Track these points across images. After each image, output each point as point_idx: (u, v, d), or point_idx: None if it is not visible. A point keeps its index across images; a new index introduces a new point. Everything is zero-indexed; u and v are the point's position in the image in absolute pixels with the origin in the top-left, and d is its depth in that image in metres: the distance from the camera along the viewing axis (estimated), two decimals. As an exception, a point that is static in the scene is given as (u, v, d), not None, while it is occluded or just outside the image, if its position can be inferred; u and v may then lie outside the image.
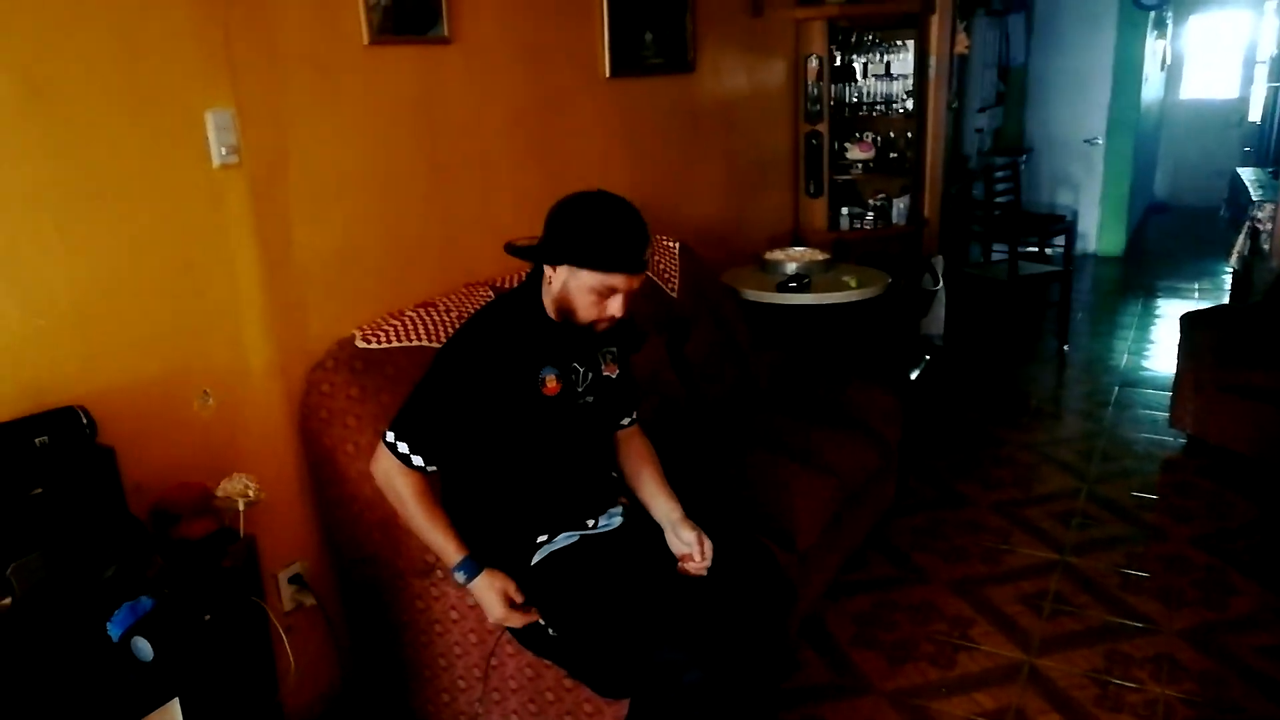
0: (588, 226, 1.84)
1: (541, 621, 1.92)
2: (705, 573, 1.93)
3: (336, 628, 2.30)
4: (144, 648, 1.51)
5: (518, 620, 1.89)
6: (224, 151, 1.94)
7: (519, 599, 1.88)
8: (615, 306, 1.87)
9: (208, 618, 1.66)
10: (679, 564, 1.95)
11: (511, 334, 1.93)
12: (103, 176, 1.75)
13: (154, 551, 1.67)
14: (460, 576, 1.88)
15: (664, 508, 2.03)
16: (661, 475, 2.10)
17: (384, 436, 1.90)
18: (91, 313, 1.75)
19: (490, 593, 1.87)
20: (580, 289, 1.86)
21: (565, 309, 1.90)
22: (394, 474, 1.90)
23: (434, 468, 1.91)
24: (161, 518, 1.79)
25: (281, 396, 2.16)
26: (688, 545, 1.95)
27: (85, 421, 1.61)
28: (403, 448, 1.87)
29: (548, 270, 1.90)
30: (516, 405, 1.91)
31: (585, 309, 1.88)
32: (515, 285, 2.11)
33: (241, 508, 1.82)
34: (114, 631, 1.51)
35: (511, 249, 1.99)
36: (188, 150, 1.89)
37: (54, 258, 1.69)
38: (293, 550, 2.25)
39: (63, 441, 1.58)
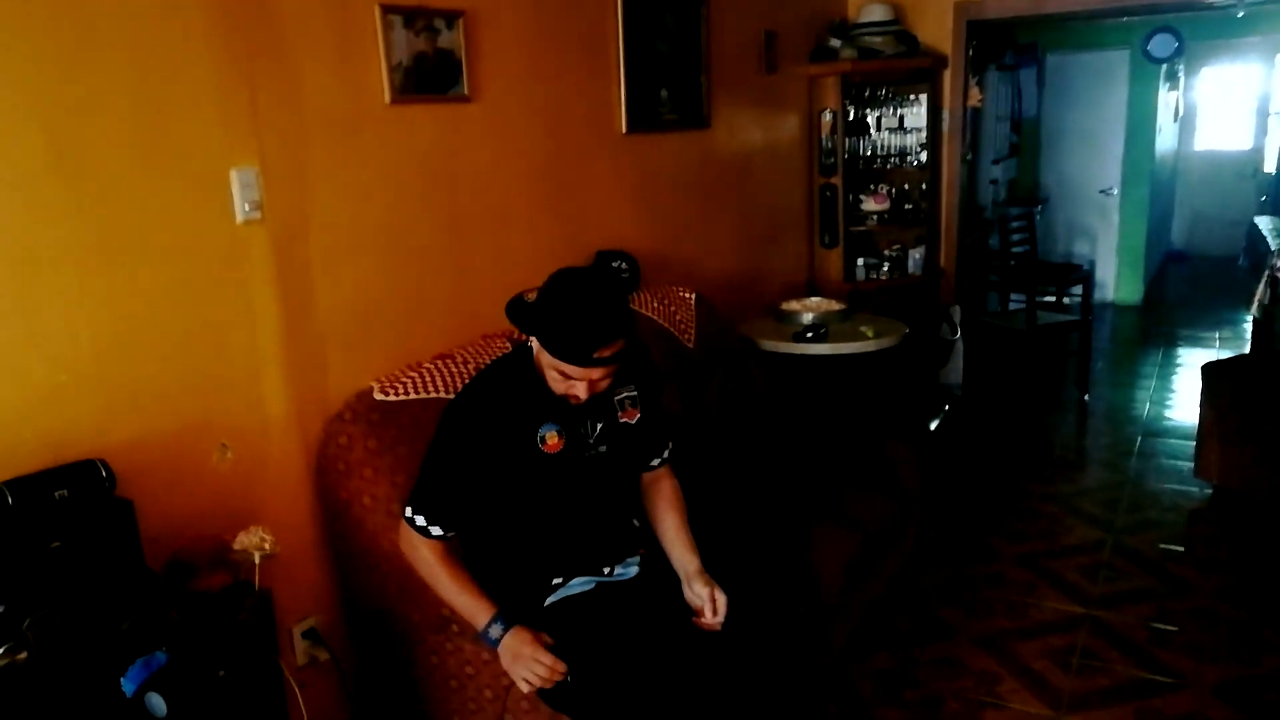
0: (552, 308, 1.83)
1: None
2: (719, 628, 1.90)
3: (350, 683, 2.27)
4: (158, 703, 1.50)
5: (540, 683, 1.85)
6: (247, 208, 1.97)
7: (548, 661, 1.83)
8: (579, 390, 1.85)
9: (222, 673, 1.64)
10: (694, 617, 1.93)
11: (509, 393, 1.94)
12: (127, 233, 1.78)
13: (170, 605, 1.67)
14: (495, 630, 1.87)
15: (682, 557, 2.01)
16: (684, 523, 2.09)
17: (402, 513, 1.95)
18: (112, 367, 1.77)
19: (513, 662, 1.86)
20: (546, 364, 1.87)
21: (542, 376, 1.90)
22: (417, 546, 1.94)
23: (452, 534, 1.94)
24: (178, 570, 1.79)
25: (299, 449, 2.17)
26: (700, 600, 1.93)
27: (105, 475, 1.62)
28: (420, 521, 1.92)
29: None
30: (517, 464, 1.92)
31: (552, 383, 1.88)
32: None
33: (258, 560, 1.81)
34: (128, 687, 1.50)
35: (507, 307, 1.99)
36: (211, 207, 1.93)
37: (77, 313, 1.71)
38: (307, 604, 2.23)
39: (82, 495, 1.58)
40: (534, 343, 1.90)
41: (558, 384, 1.87)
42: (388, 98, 2.29)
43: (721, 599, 1.92)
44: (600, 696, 1.86)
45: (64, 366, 1.70)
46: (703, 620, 1.92)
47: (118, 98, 1.75)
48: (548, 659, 1.83)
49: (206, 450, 1.97)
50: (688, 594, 1.97)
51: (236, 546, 1.82)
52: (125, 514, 1.64)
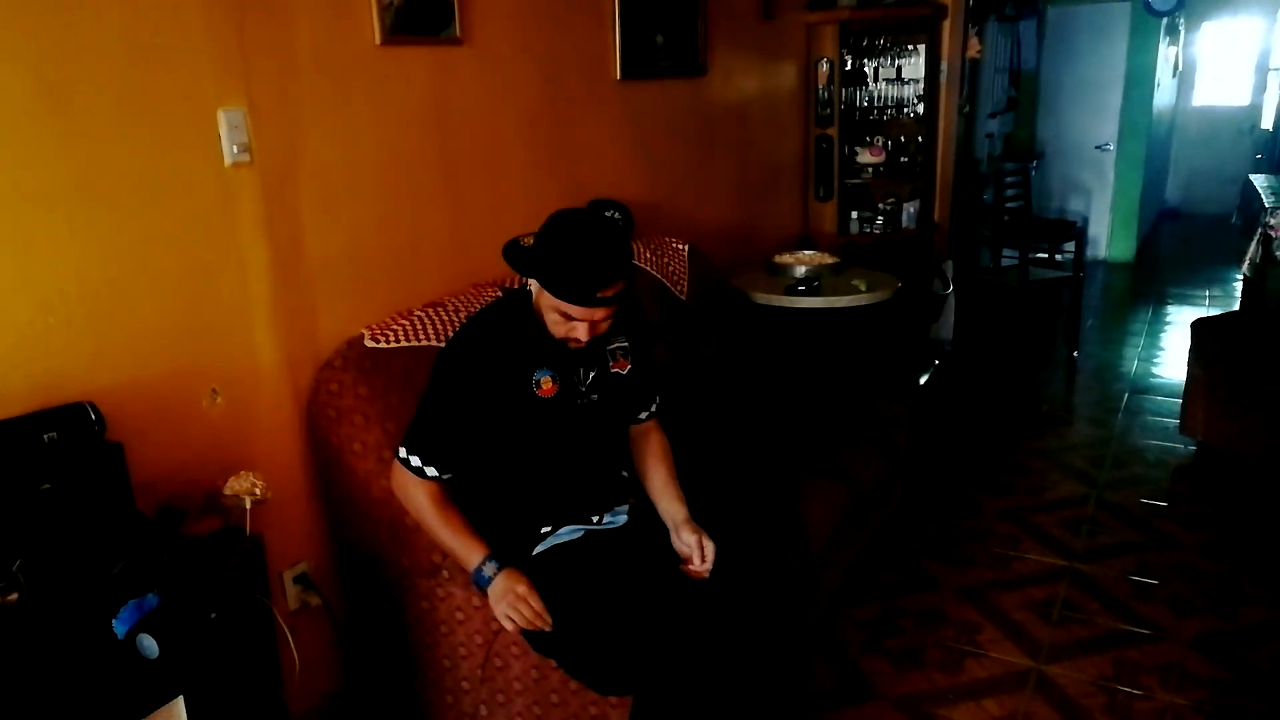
0: (555, 248, 1.83)
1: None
2: (707, 575, 1.92)
3: (341, 628, 2.29)
4: (150, 645, 1.51)
5: (525, 623, 1.87)
6: (236, 150, 1.94)
7: (536, 605, 1.86)
8: (580, 331, 1.86)
9: (214, 616, 1.65)
10: (682, 565, 1.95)
11: (505, 337, 1.94)
12: (115, 174, 1.75)
13: (161, 549, 1.67)
14: (489, 569, 1.88)
15: (670, 508, 2.04)
16: (672, 474, 2.11)
17: (396, 453, 1.95)
18: (102, 309, 1.75)
19: (497, 601, 1.87)
20: (548, 307, 1.87)
21: (541, 320, 1.90)
22: (409, 487, 1.95)
23: (448, 475, 1.94)
24: (168, 515, 1.79)
25: (290, 395, 2.17)
26: (689, 547, 1.95)
27: (94, 418, 1.61)
28: (415, 461, 1.92)
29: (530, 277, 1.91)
30: (512, 408, 1.92)
31: (552, 325, 1.88)
32: (520, 286, 2.11)
33: (248, 506, 1.82)
34: (120, 628, 1.51)
35: (504, 250, 1.98)
36: (200, 149, 1.89)
37: (65, 255, 1.69)
38: (298, 549, 2.25)
39: (71, 437, 1.58)
40: (533, 285, 1.89)
41: (558, 326, 1.87)
42: (378, 38, 2.25)
43: (709, 546, 1.94)
44: (588, 643, 1.89)
45: (52, 309, 1.68)
46: (691, 568, 1.94)
47: (105, 36, 1.71)
48: (536, 604, 1.85)
49: (197, 395, 1.96)
50: (676, 543, 1.99)
51: (227, 491, 1.82)
52: (115, 457, 1.63)
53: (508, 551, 1.96)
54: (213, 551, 1.75)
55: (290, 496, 2.19)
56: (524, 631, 1.98)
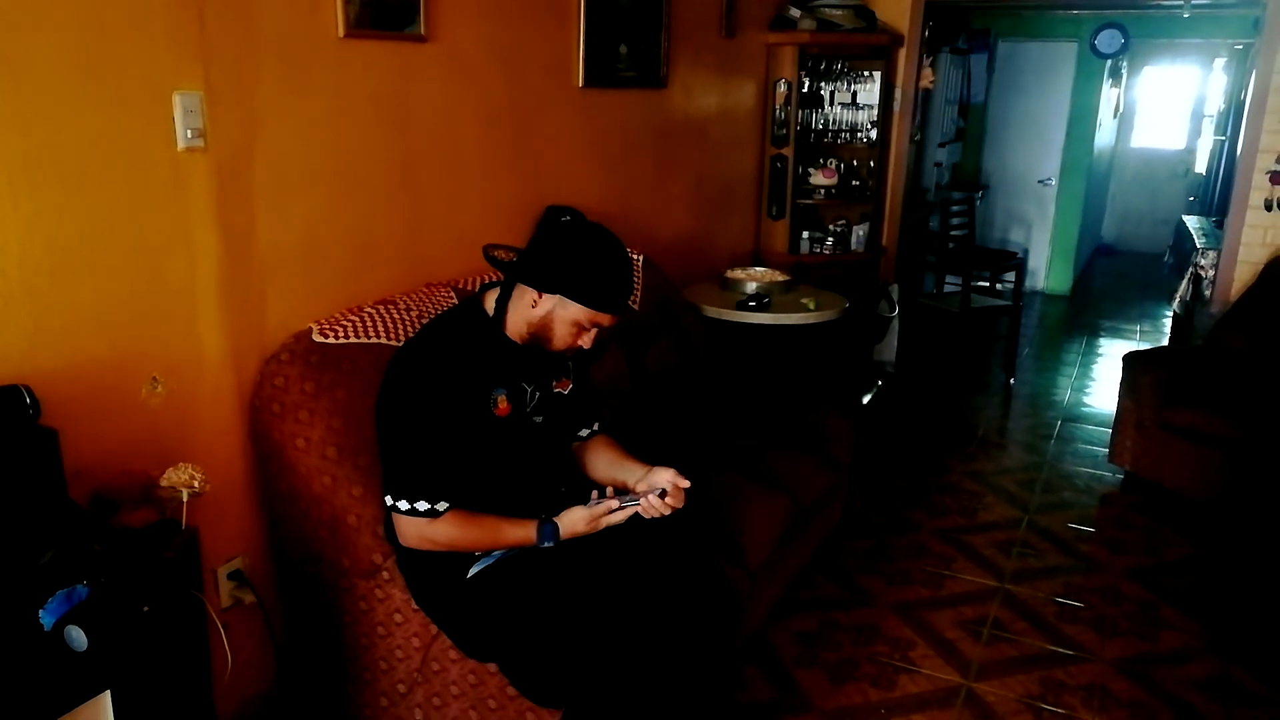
0: (589, 263, 1.85)
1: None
2: (687, 484, 1.91)
3: (275, 626, 2.25)
4: (78, 637, 1.46)
5: (617, 518, 1.87)
6: (189, 134, 1.90)
7: (598, 511, 1.86)
8: (588, 340, 1.90)
9: (146, 609, 1.61)
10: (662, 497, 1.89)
11: (466, 355, 1.91)
12: (63, 151, 1.70)
13: (93, 539, 1.62)
14: (548, 539, 1.87)
15: (630, 467, 2.04)
16: (623, 451, 2.12)
17: (395, 508, 1.87)
18: (42, 290, 1.70)
19: (578, 531, 1.87)
20: (565, 320, 1.87)
21: (541, 335, 1.90)
22: (430, 532, 1.88)
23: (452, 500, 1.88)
24: (102, 505, 1.74)
25: (233, 387, 2.12)
26: (661, 479, 1.92)
27: (29, 401, 1.56)
28: (423, 506, 1.85)
29: (530, 294, 1.89)
30: (472, 427, 1.90)
31: (562, 338, 1.89)
32: (477, 288, 2.09)
33: (185, 499, 1.77)
34: (47, 620, 1.46)
35: (495, 262, 1.97)
36: (152, 131, 1.85)
37: (8, 231, 1.64)
38: (233, 545, 2.20)
39: (4, 421, 1.52)
40: (543, 301, 1.87)
41: (569, 337, 1.88)
42: (341, 30, 2.22)
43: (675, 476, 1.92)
44: (526, 656, 1.88)
45: (-11, 287, 1.63)
46: (680, 483, 1.91)
47: (59, 8, 1.66)
48: (599, 510, 1.86)
49: (137, 383, 1.91)
50: (647, 486, 1.93)
51: (164, 483, 1.77)
52: (49, 443, 1.58)
53: (440, 576, 1.94)
54: (146, 544, 1.70)
55: (228, 491, 2.15)
56: (460, 640, 1.96)
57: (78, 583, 1.50)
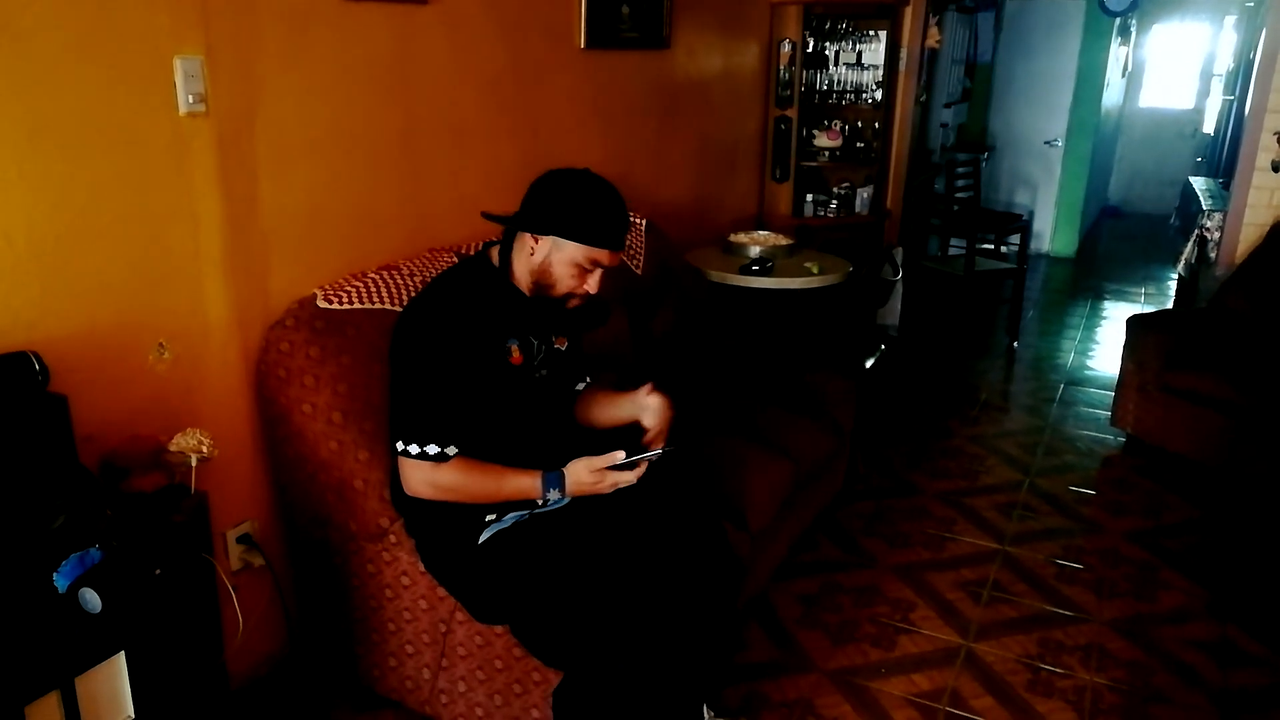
0: (579, 201, 1.87)
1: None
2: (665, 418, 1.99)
3: (284, 589, 2.28)
4: (92, 599, 1.49)
5: (626, 478, 1.88)
6: (191, 99, 1.89)
7: (602, 464, 1.87)
8: (593, 282, 1.92)
9: (158, 572, 1.63)
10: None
11: (476, 304, 1.93)
12: (66, 118, 1.70)
13: (104, 504, 1.64)
14: (554, 495, 1.89)
15: (628, 403, 2.08)
16: (611, 390, 2.17)
17: (405, 452, 1.87)
18: (48, 257, 1.71)
19: (585, 484, 1.88)
20: (563, 261, 1.88)
21: (544, 281, 1.92)
22: (435, 476, 1.88)
23: (461, 446, 1.89)
24: (111, 470, 1.76)
25: (239, 353, 2.13)
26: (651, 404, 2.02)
27: (38, 368, 1.57)
28: (432, 449, 1.86)
29: (528, 241, 1.91)
30: (488, 375, 1.91)
31: (564, 281, 1.90)
32: (479, 250, 2.10)
33: (194, 463, 1.79)
34: (61, 582, 1.49)
35: (491, 215, 1.98)
36: (154, 96, 1.84)
37: (12, 198, 1.64)
38: (242, 509, 2.22)
39: (14, 387, 1.53)
40: (540, 246, 1.89)
41: (571, 279, 1.90)
42: (342, -7, 2.20)
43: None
44: (535, 618, 1.91)
45: (-4, 255, 1.63)
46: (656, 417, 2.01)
47: (56, -28, 1.65)
48: (602, 462, 1.86)
49: (144, 349, 1.93)
50: (644, 406, 2.04)
51: (173, 448, 1.79)
52: (59, 409, 1.60)
53: (451, 543, 1.96)
54: (157, 508, 1.72)
55: (235, 455, 2.17)
56: (470, 604, 1.99)
57: (90, 546, 1.52)
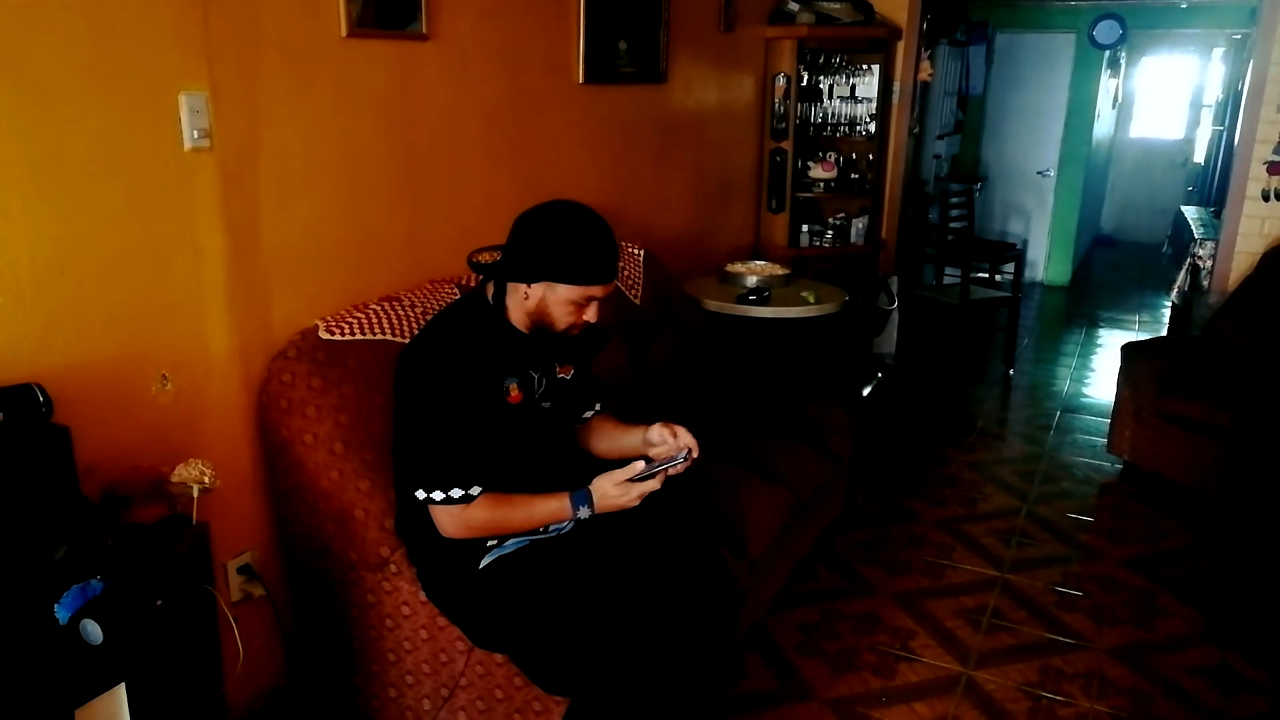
0: (566, 241, 1.87)
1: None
2: (693, 448, 1.97)
3: (284, 619, 2.28)
4: (93, 631, 1.49)
5: (650, 486, 1.88)
6: (196, 135, 1.92)
7: (622, 477, 1.88)
8: (592, 313, 1.93)
9: (159, 603, 1.64)
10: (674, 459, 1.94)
11: (476, 344, 1.94)
12: (71, 152, 1.72)
13: (106, 535, 1.65)
14: (584, 512, 1.90)
15: (635, 437, 2.08)
16: (621, 422, 2.18)
17: (430, 500, 1.88)
18: (53, 289, 1.73)
19: (612, 499, 1.88)
20: (558, 302, 1.90)
21: (542, 322, 1.94)
22: (465, 517, 1.89)
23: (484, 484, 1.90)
24: (113, 501, 1.76)
25: (241, 384, 2.15)
26: (664, 435, 2.00)
27: (41, 400, 1.58)
28: (457, 493, 1.87)
29: (520, 288, 1.93)
30: (488, 416, 1.92)
31: (562, 319, 1.92)
32: (476, 286, 2.11)
33: (196, 494, 1.80)
34: (62, 614, 1.49)
35: (478, 266, 1.99)
36: (159, 131, 1.87)
37: (16, 232, 1.66)
38: (242, 540, 2.23)
39: (18, 419, 1.55)
40: (533, 291, 1.90)
41: (569, 316, 1.92)
42: (344, 30, 2.24)
43: (681, 431, 2.00)
44: (537, 644, 1.91)
45: (3, 286, 1.64)
46: (680, 441, 1.98)
47: (66, 10, 1.68)
48: (621, 475, 1.87)
49: (146, 380, 1.94)
50: (649, 444, 2.03)
51: (175, 479, 1.80)
52: (61, 441, 1.60)
53: (453, 567, 1.96)
54: (158, 539, 1.73)
55: (236, 486, 2.17)
56: (470, 630, 1.99)
57: (92, 577, 1.53)
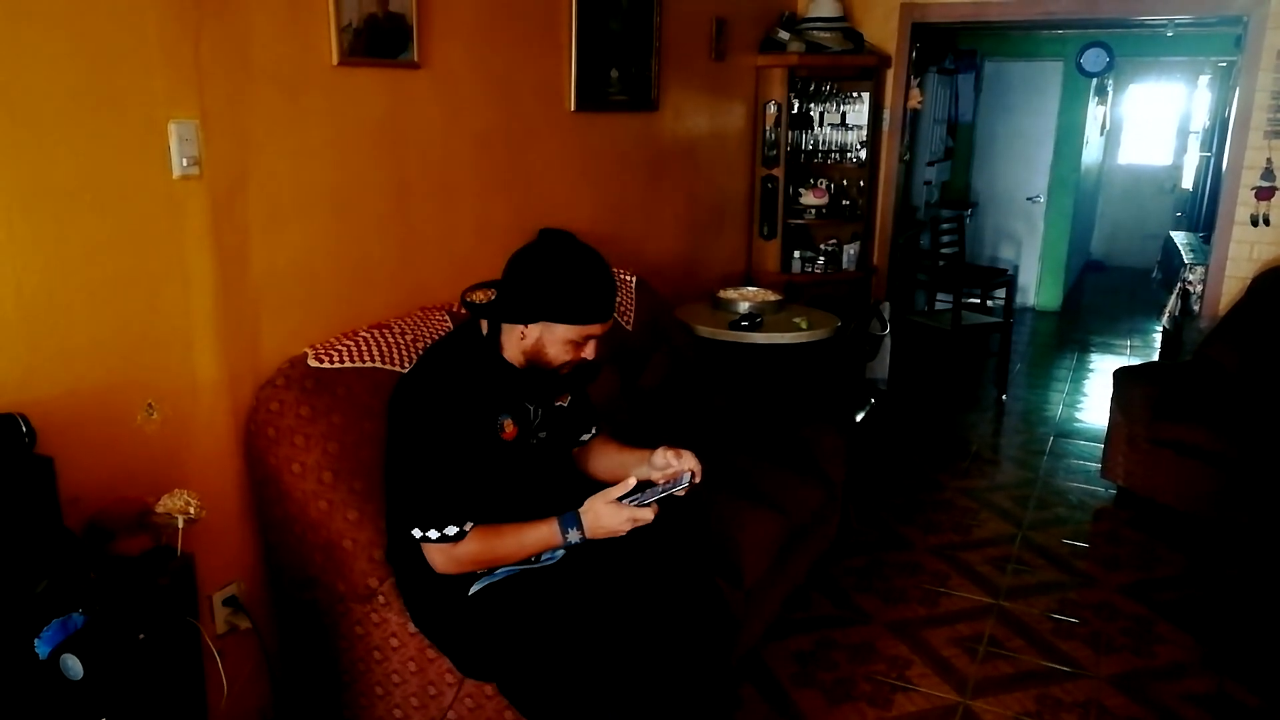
0: (564, 282, 1.86)
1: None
2: (699, 468, 1.92)
3: (271, 652, 2.24)
4: (74, 666, 1.46)
5: (645, 515, 1.84)
6: (185, 163, 1.91)
7: (614, 493, 1.84)
8: (590, 350, 1.92)
9: (141, 637, 1.61)
10: (678, 482, 1.90)
11: (469, 382, 1.92)
12: (59, 179, 1.71)
13: (88, 567, 1.62)
14: (573, 536, 1.86)
15: (636, 457, 2.05)
16: (623, 444, 2.16)
17: (425, 539, 1.86)
18: (38, 318, 1.71)
19: (604, 522, 1.84)
20: (556, 341, 1.89)
21: (539, 360, 1.92)
22: (455, 553, 1.88)
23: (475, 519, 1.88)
24: (97, 532, 1.74)
25: (228, 412, 2.13)
26: (669, 459, 1.94)
27: (25, 430, 1.56)
28: (451, 530, 1.85)
29: (516, 328, 1.91)
30: (482, 453, 1.91)
31: (560, 357, 1.91)
32: (469, 317, 2.10)
33: (181, 525, 1.77)
34: (43, 649, 1.46)
35: (473, 307, 1.98)
36: (149, 159, 1.86)
37: (4, 259, 1.64)
38: (229, 570, 2.19)
39: (1, 450, 1.53)
40: (530, 331, 1.89)
41: (566, 354, 1.90)
42: (335, 59, 2.24)
43: (686, 455, 1.95)
44: (526, 676, 1.88)
45: (-14, 316, 1.63)
46: (684, 464, 1.93)
47: (55, 37, 1.68)
48: (611, 496, 1.84)
49: (132, 410, 1.92)
50: (655, 467, 1.97)
51: (159, 509, 1.77)
52: (45, 471, 1.58)
53: (441, 593, 1.94)
54: (142, 571, 1.70)
55: (223, 516, 2.14)
56: (458, 659, 1.97)
57: (73, 611, 1.50)
